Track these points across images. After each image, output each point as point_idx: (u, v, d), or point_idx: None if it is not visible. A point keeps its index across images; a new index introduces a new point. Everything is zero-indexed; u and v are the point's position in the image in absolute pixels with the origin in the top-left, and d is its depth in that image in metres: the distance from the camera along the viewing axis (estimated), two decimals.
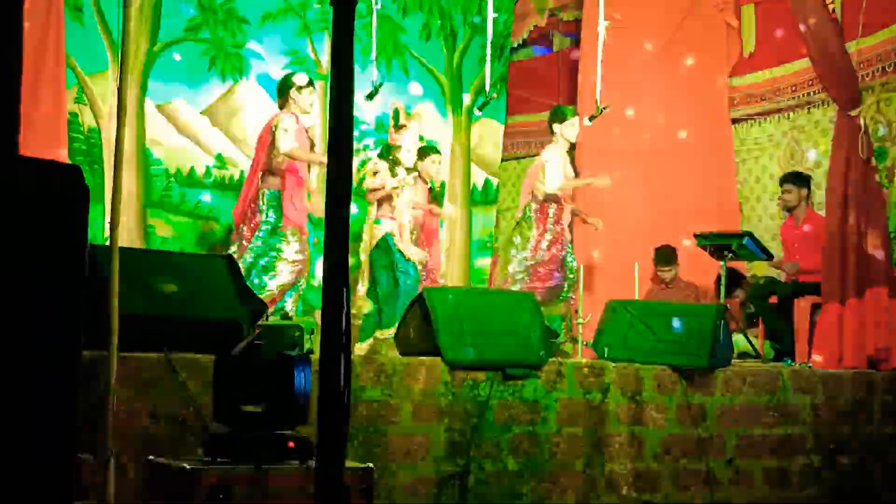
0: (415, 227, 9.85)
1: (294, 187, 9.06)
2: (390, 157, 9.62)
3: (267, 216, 8.98)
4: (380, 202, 9.68)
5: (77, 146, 10.34)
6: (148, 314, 5.62)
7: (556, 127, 9.91)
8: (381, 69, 11.01)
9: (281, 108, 9.15)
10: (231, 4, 11.25)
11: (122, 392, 5.16)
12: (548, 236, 9.81)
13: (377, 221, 9.61)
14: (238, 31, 11.28)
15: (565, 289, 9.95)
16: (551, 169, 9.76)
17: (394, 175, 9.54)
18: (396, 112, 9.82)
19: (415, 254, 9.53)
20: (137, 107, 10.74)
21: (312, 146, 9.18)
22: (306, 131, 9.20)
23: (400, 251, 9.45)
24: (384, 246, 9.52)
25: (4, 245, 2.89)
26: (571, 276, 9.90)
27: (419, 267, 9.66)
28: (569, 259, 9.94)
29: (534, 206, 9.91)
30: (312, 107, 9.37)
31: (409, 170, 9.65)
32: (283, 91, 9.17)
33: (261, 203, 9.02)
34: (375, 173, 9.69)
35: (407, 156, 9.64)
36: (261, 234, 8.97)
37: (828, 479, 7.79)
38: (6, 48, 3.31)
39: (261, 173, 9.10)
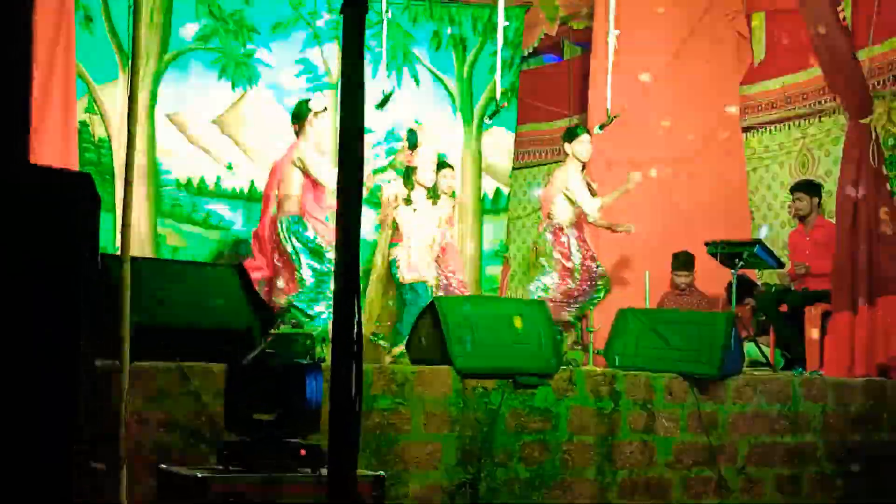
0: (436, 245, 9.71)
1: (321, 205, 8.99)
2: (409, 180, 9.56)
3: (295, 242, 8.82)
4: (394, 226, 9.62)
5: (88, 156, 10.35)
6: (159, 323, 5.64)
7: (566, 146, 9.90)
8: (391, 78, 11.01)
9: (297, 134, 8.99)
10: (241, 14, 11.26)
11: (135, 401, 5.17)
12: (575, 261, 9.72)
13: (392, 245, 9.56)
14: (248, 40, 11.28)
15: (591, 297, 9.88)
16: (582, 196, 9.71)
17: (409, 200, 9.50)
18: (412, 133, 9.72)
19: (414, 276, 9.41)
20: (148, 116, 10.75)
21: None
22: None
23: (400, 277, 9.41)
24: (388, 272, 9.53)
25: (16, 252, 2.90)
26: (601, 282, 9.82)
27: (430, 285, 9.53)
28: (598, 268, 9.85)
29: (549, 237, 9.82)
30: (325, 133, 9.28)
31: (429, 190, 9.59)
32: (299, 118, 9.00)
33: (281, 232, 8.84)
34: (386, 203, 9.67)
35: (426, 176, 9.56)
36: (307, 261, 8.83)
37: (839, 486, 7.77)
38: (16, 58, 3.32)
39: (278, 201, 8.95)
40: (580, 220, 9.88)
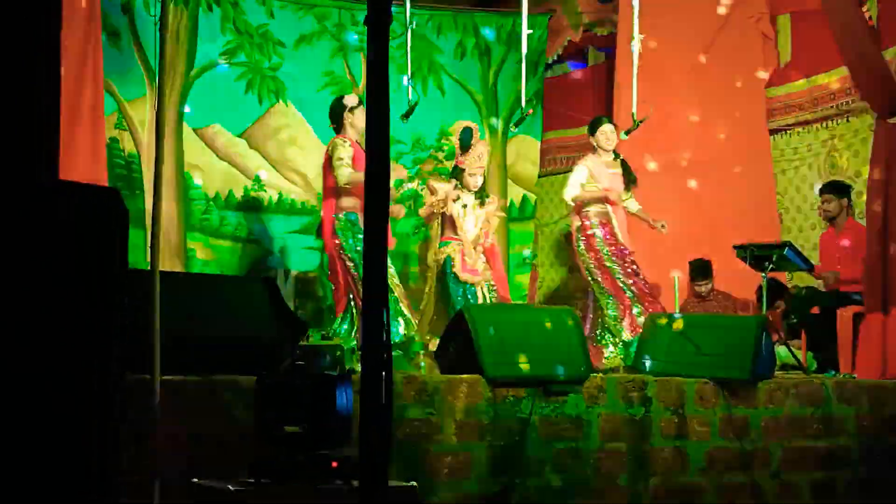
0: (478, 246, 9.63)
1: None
2: (457, 179, 9.49)
3: (350, 242, 8.75)
4: (443, 224, 9.54)
5: (118, 171, 10.40)
6: (189, 337, 5.65)
7: (591, 139, 9.95)
8: (416, 88, 11.01)
9: (336, 132, 9.00)
10: (266, 28, 11.30)
11: (165, 415, 5.18)
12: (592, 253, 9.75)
13: (442, 244, 9.47)
14: (274, 53, 11.32)
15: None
16: (571, 178, 9.82)
17: (456, 197, 9.42)
18: (467, 132, 9.65)
19: (468, 277, 9.34)
20: (176, 131, 10.79)
21: None
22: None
23: (455, 275, 9.31)
24: (442, 270, 9.39)
25: (46, 267, 2.92)
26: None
27: (480, 288, 9.45)
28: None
29: (575, 223, 9.88)
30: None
31: (476, 193, 9.53)
32: (336, 115, 9.02)
33: (338, 229, 8.80)
34: (432, 193, 9.55)
35: (473, 179, 9.50)
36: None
37: (875, 490, 7.72)
38: (45, 75, 3.34)
39: (334, 199, 8.91)
40: (607, 221, 9.84)
